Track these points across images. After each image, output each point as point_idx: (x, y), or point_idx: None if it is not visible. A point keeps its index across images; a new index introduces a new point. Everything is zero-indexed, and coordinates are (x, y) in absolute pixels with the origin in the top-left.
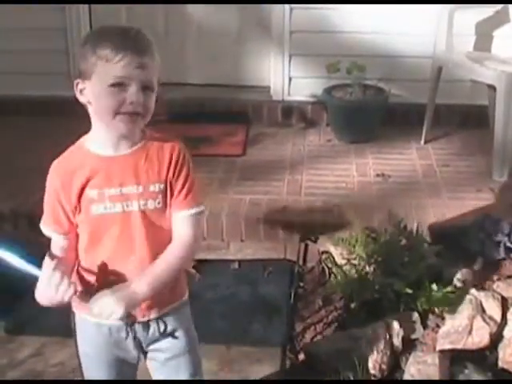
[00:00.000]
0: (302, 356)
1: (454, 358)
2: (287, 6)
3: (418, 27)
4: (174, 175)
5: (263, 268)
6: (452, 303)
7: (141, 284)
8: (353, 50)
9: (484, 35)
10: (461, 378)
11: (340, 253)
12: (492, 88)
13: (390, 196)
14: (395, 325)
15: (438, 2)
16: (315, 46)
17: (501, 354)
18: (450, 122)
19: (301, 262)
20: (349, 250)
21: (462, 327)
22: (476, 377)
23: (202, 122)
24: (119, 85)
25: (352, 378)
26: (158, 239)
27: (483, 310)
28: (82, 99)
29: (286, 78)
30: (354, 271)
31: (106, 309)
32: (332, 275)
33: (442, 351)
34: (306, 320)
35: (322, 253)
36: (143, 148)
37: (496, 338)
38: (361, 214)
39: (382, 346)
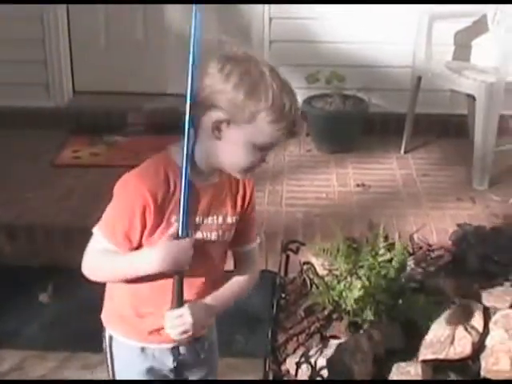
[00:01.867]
0: (284, 367)
1: (437, 367)
2: (267, 16)
3: (398, 37)
4: (249, 209)
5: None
6: (434, 313)
7: (213, 301)
8: (332, 60)
9: (463, 45)
10: None
11: (321, 263)
12: (471, 97)
13: (370, 206)
14: (377, 335)
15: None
16: (295, 56)
17: (483, 364)
18: (430, 132)
19: (282, 273)
20: (330, 260)
21: (445, 337)
22: None
23: (182, 133)
24: (264, 147)
25: None
26: (218, 271)
27: (465, 320)
28: (214, 133)
29: None
30: (335, 282)
31: (177, 320)
32: (314, 286)
33: (424, 361)
34: (289, 331)
35: (304, 263)
36: (226, 179)
37: (478, 348)
38: (342, 225)
39: (364, 356)
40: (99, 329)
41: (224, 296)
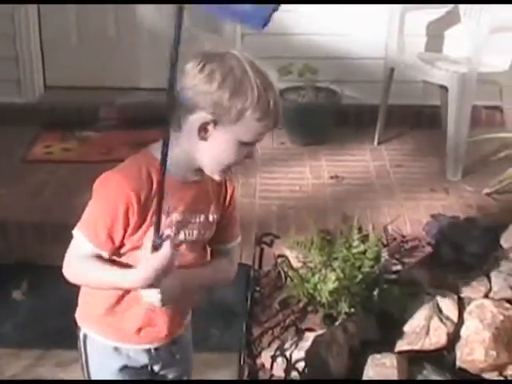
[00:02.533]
0: (260, 361)
1: (412, 359)
2: None
3: (370, 29)
4: (230, 208)
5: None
6: (409, 304)
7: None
8: (305, 53)
9: (435, 36)
10: (419, 378)
11: (296, 256)
12: (444, 88)
13: (344, 198)
14: (352, 327)
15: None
16: (267, 49)
17: (458, 354)
18: (403, 123)
19: (257, 267)
20: (304, 253)
21: (420, 328)
22: (434, 377)
23: (154, 127)
24: (249, 144)
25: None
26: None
27: (440, 311)
28: (200, 134)
29: None
30: (310, 274)
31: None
32: (288, 279)
33: (399, 352)
34: (263, 324)
35: (278, 256)
36: (208, 177)
37: (453, 338)
38: (315, 217)
39: (340, 349)
40: (73, 326)
41: (200, 272)
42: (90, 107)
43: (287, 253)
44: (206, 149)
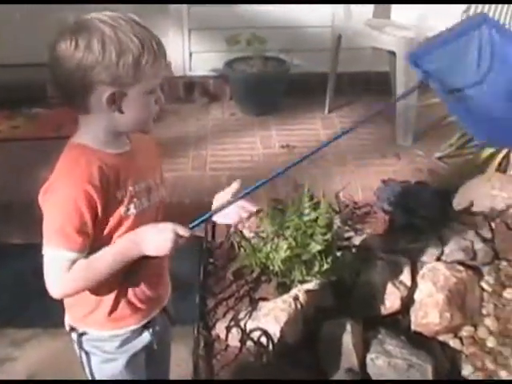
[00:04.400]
0: (215, 332)
1: (367, 323)
2: None
3: None
4: (161, 165)
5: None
6: (362, 270)
7: None
8: (252, 22)
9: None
10: (374, 343)
11: (248, 226)
12: (392, 54)
13: (295, 167)
14: (306, 295)
15: None
16: (214, 20)
17: (413, 318)
18: (353, 90)
19: (209, 238)
20: (256, 223)
21: (373, 293)
22: (389, 341)
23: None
24: (156, 89)
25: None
26: None
27: (393, 275)
28: (111, 108)
29: (187, 53)
30: (262, 244)
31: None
32: (241, 249)
33: (354, 317)
34: (218, 296)
35: (230, 227)
36: (135, 143)
37: (407, 302)
38: (266, 187)
39: (294, 316)
40: (27, 304)
41: None
42: (38, 84)
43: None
44: (125, 117)
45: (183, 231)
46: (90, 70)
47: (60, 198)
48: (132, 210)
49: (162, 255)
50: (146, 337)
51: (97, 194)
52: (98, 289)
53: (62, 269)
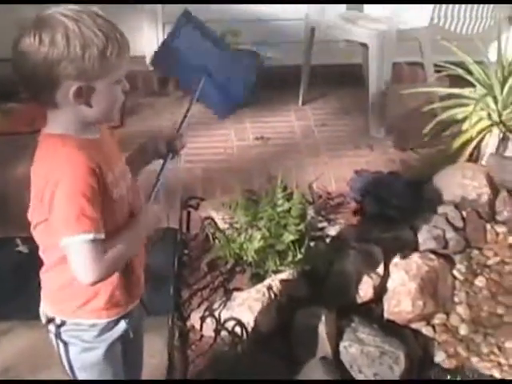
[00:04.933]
0: (190, 323)
1: (340, 312)
2: None
3: None
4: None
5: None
6: (335, 259)
7: None
8: (226, 15)
9: None
10: (347, 331)
11: (222, 217)
12: (365, 46)
13: (269, 158)
14: (280, 284)
15: None
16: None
17: (386, 306)
18: (327, 83)
19: (184, 230)
20: (230, 214)
21: (347, 282)
22: (362, 329)
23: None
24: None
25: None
26: None
27: (366, 264)
28: (78, 101)
29: None
30: (236, 235)
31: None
32: (215, 240)
33: (327, 306)
34: (193, 287)
35: (205, 219)
36: (101, 131)
37: (380, 291)
38: (241, 178)
39: (267, 306)
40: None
41: None
42: (12, 79)
43: (213, 215)
44: (93, 109)
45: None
46: (55, 64)
47: (68, 185)
48: (116, 195)
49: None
50: (122, 326)
51: (98, 172)
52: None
53: (95, 252)
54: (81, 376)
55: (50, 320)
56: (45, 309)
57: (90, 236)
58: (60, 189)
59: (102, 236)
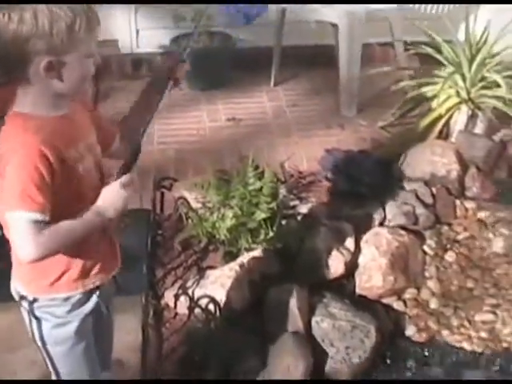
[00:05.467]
0: (164, 301)
1: (312, 288)
2: None
3: None
4: (101, 121)
5: (120, 219)
6: (306, 236)
7: None
8: None
9: None
10: (319, 306)
11: (195, 197)
12: (336, 27)
13: (241, 139)
14: (252, 262)
15: None
16: None
17: (357, 282)
18: (299, 64)
19: (158, 211)
20: (202, 193)
21: (317, 258)
22: (334, 304)
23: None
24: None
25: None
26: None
27: (337, 241)
28: (49, 75)
29: (134, 30)
30: (208, 214)
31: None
32: (189, 220)
33: (300, 283)
34: (166, 266)
35: (178, 199)
36: (71, 105)
37: (351, 267)
38: (213, 159)
39: (239, 283)
40: None
41: None
42: None
43: (186, 195)
44: (64, 83)
45: (125, 178)
46: (25, 41)
47: (17, 164)
48: (81, 170)
49: (122, 212)
50: (94, 300)
51: (51, 154)
52: (69, 251)
53: (31, 231)
54: (53, 351)
55: (23, 297)
56: (16, 287)
57: (30, 215)
58: (10, 167)
59: (45, 218)
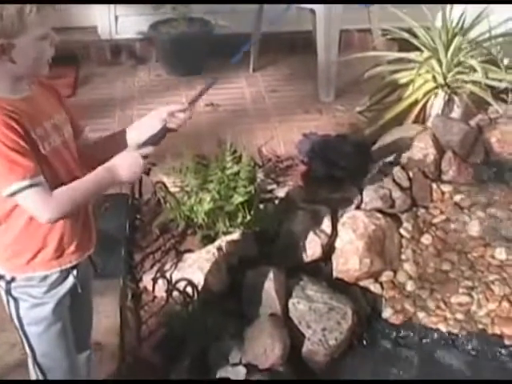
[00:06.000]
0: (142, 284)
1: (290, 271)
2: None
3: None
4: (65, 105)
5: (100, 204)
6: (284, 220)
7: None
8: None
9: None
10: (296, 289)
11: (173, 181)
12: (314, 13)
13: (220, 124)
14: (229, 245)
15: None
16: None
17: (334, 264)
18: (278, 50)
19: (137, 195)
20: (181, 178)
21: (295, 243)
22: (311, 286)
23: None
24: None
25: (190, 299)
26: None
27: (314, 224)
28: (2, 59)
29: (113, 16)
30: (186, 198)
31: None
32: (167, 204)
33: (277, 266)
34: (145, 250)
35: (156, 183)
36: (35, 87)
37: (328, 250)
38: (191, 144)
39: (217, 266)
40: None
41: None
42: None
43: (164, 179)
44: (18, 65)
45: (148, 150)
46: None
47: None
48: (47, 149)
49: (135, 178)
50: (70, 280)
51: (17, 126)
52: (46, 228)
53: (39, 194)
54: (29, 331)
55: (1, 277)
56: None
57: (26, 182)
58: None
59: (41, 179)
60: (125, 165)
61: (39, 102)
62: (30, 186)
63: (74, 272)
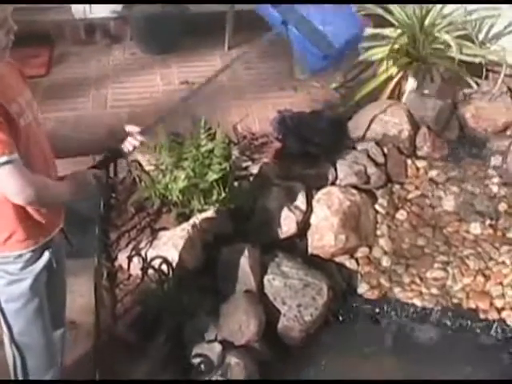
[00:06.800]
0: (117, 263)
1: (264, 247)
2: None
3: None
4: (27, 86)
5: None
6: (258, 196)
7: None
8: None
9: None
10: (272, 265)
11: (147, 160)
12: None
13: (194, 102)
14: (204, 223)
15: None
16: None
17: (309, 241)
18: (253, 28)
19: (112, 174)
20: (155, 156)
21: (269, 219)
22: (286, 263)
23: None
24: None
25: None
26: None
27: (288, 200)
28: None
29: None
30: (161, 176)
31: None
32: (142, 182)
33: (252, 242)
34: (120, 228)
35: (131, 162)
36: (2, 65)
37: (304, 226)
38: (166, 122)
39: (192, 243)
40: None
41: None
42: None
43: (139, 157)
44: None
45: (100, 173)
46: None
47: None
48: (23, 124)
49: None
50: (46, 256)
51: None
52: (18, 207)
53: (16, 170)
54: (7, 307)
55: None
56: None
57: (4, 158)
58: None
59: (16, 156)
60: (84, 191)
61: (9, 81)
62: (8, 162)
63: (50, 248)
